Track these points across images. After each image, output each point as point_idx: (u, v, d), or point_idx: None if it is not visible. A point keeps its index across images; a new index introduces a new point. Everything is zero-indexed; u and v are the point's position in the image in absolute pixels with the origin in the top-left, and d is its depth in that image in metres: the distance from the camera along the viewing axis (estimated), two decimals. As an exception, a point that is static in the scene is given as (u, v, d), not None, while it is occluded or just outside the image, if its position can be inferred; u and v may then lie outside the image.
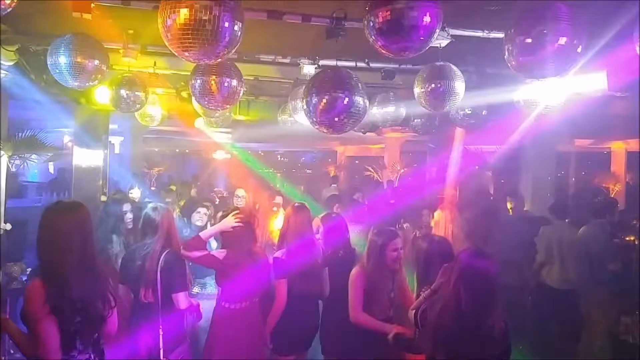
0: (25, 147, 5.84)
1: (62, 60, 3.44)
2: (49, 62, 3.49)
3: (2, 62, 4.29)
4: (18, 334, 2.22)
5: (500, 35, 3.03)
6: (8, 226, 5.29)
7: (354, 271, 3.20)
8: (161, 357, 2.94)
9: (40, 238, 2.20)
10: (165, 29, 2.58)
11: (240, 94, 3.89)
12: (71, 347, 2.21)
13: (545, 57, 2.75)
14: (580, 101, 4.88)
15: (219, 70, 3.69)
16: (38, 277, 2.18)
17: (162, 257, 3.02)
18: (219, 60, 2.81)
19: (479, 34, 3.63)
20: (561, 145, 9.27)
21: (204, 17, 2.52)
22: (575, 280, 4.89)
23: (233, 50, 2.72)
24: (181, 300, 2.99)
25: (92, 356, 2.30)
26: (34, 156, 6.12)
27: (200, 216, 4.63)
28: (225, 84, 3.74)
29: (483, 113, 5.18)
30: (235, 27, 2.60)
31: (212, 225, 4.37)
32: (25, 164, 6.15)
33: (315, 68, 4.45)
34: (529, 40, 2.77)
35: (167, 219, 3.17)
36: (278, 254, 3.37)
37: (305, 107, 3.56)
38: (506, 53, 2.93)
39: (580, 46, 2.72)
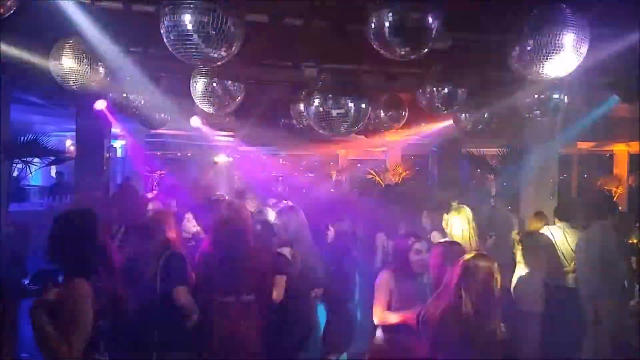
0: (26, 151, 5.85)
1: (65, 63, 3.45)
2: (50, 65, 3.50)
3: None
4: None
5: (503, 37, 3.03)
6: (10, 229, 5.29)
7: (380, 275, 3.19)
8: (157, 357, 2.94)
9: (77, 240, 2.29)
10: (167, 31, 2.59)
11: (242, 97, 3.90)
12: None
13: (547, 59, 2.75)
14: (583, 103, 4.88)
15: (220, 72, 3.70)
16: (81, 277, 2.22)
17: (162, 257, 3.03)
18: (221, 62, 2.82)
19: (481, 36, 3.63)
20: (564, 148, 9.23)
21: (206, 20, 2.52)
22: (581, 283, 4.85)
23: (234, 53, 2.73)
24: (180, 294, 2.98)
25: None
26: (35, 160, 6.13)
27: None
28: (227, 87, 3.75)
29: (485, 115, 5.17)
30: (237, 30, 2.61)
31: None
32: (27, 167, 6.17)
33: (317, 71, 4.44)
34: (531, 42, 2.77)
35: (168, 221, 3.19)
36: (283, 250, 3.38)
37: (307, 109, 3.57)
38: (508, 55, 2.94)
39: (583, 46, 2.72)
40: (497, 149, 8.28)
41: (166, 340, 2.99)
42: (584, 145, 11.57)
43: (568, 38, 2.70)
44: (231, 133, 10.34)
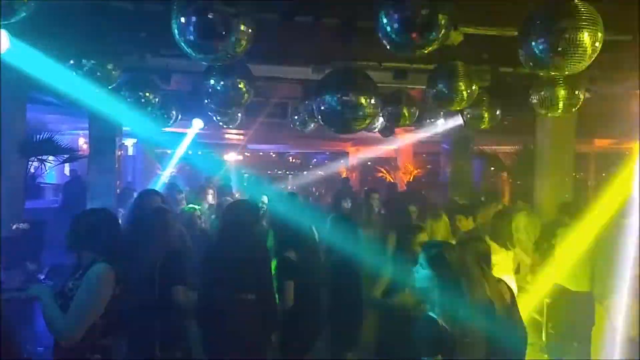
0: (42, 149, 5.95)
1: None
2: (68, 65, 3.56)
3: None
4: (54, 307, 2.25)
5: (515, 32, 2.98)
6: (26, 225, 5.40)
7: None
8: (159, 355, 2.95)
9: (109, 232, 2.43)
10: (178, 30, 2.60)
11: (251, 95, 3.90)
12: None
13: (561, 54, 2.70)
14: (600, 100, 4.78)
15: (230, 71, 3.71)
16: (106, 263, 2.32)
17: (161, 256, 3.02)
18: (231, 61, 2.82)
19: (493, 32, 3.58)
20: (580, 146, 9.07)
21: (216, 19, 2.53)
22: (593, 283, 4.77)
23: (244, 51, 2.73)
24: (178, 293, 3.00)
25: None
26: (50, 158, 6.23)
27: None
28: (236, 85, 3.76)
29: (497, 113, 5.10)
30: (247, 29, 2.61)
31: None
32: (42, 165, 6.27)
33: (327, 69, 4.43)
34: (544, 37, 2.72)
35: (165, 220, 3.19)
36: (288, 254, 3.38)
37: (316, 107, 3.56)
38: (521, 50, 2.89)
39: (598, 41, 2.66)
40: (510, 147, 8.20)
41: (168, 339, 3.00)
42: (602, 143, 11.36)
43: (582, 33, 2.64)
44: (242, 131, 10.38)
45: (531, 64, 2.89)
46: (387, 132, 7.24)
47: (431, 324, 2.15)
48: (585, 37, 2.63)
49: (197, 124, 6.60)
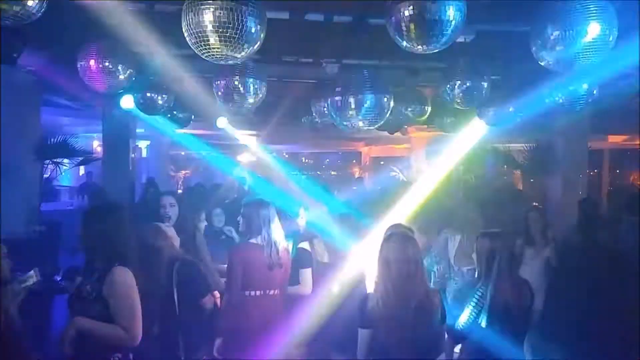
0: (57, 152, 6.02)
1: (92, 64, 3.54)
2: (78, 67, 3.59)
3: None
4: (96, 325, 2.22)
5: (528, 28, 2.95)
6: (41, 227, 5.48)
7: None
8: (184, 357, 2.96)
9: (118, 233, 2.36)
10: (188, 30, 2.62)
11: (263, 95, 3.91)
12: None
13: (575, 50, 2.66)
14: (613, 96, 4.70)
15: (241, 71, 3.72)
16: (123, 264, 2.28)
17: (174, 269, 2.95)
18: (242, 60, 2.83)
19: (506, 28, 3.55)
20: (594, 142, 8.93)
21: (227, 18, 2.54)
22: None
23: (255, 51, 2.74)
24: (206, 303, 3.03)
25: None
26: (65, 160, 6.31)
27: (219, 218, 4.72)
28: (248, 85, 3.77)
29: (510, 110, 5.04)
30: (258, 28, 2.61)
31: None
32: (57, 168, 6.35)
33: (339, 67, 4.42)
34: (558, 33, 2.69)
35: (166, 234, 3.12)
36: (303, 245, 3.43)
37: (329, 107, 3.57)
38: (534, 47, 2.86)
39: (612, 37, 2.62)
40: (523, 144, 8.09)
41: (192, 342, 3.01)
42: (615, 139, 11.19)
43: (595, 27, 2.60)
44: (254, 132, 10.42)
45: (544, 59, 2.85)
46: (399, 130, 7.20)
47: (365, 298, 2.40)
48: (600, 31, 2.59)
49: (222, 122, 6.56)
